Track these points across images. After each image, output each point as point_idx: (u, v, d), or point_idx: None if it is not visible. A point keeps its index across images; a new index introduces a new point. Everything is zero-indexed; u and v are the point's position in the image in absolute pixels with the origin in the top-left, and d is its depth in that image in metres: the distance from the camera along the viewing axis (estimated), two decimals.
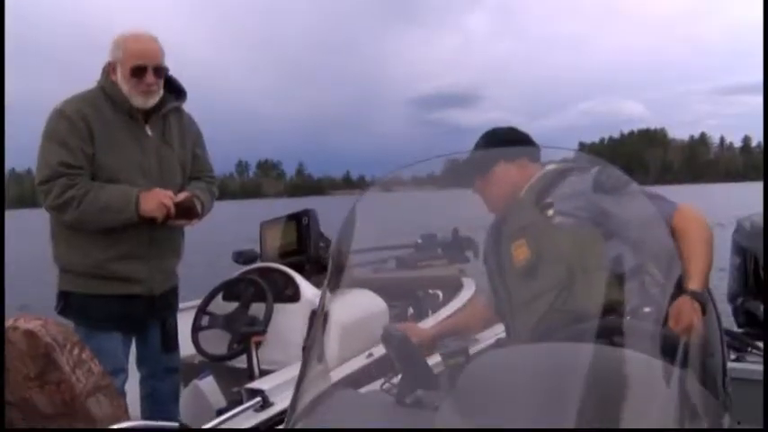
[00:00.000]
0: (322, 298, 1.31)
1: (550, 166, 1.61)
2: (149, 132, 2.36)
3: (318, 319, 1.29)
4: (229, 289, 3.02)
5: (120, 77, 2.29)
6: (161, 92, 2.35)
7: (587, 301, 1.26)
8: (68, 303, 2.31)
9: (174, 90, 2.47)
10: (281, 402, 2.15)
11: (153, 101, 2.32)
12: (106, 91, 2.32)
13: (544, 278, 1.39)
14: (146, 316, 2.39)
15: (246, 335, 2.63)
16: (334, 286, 1.34)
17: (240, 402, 2.11)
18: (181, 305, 2.90)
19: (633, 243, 1.40)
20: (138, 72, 2.26)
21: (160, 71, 2.32)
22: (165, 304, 2.47)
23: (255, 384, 2.20)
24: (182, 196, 2.33)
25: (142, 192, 2.25)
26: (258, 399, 2.10)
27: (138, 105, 2.30)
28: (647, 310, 1.28)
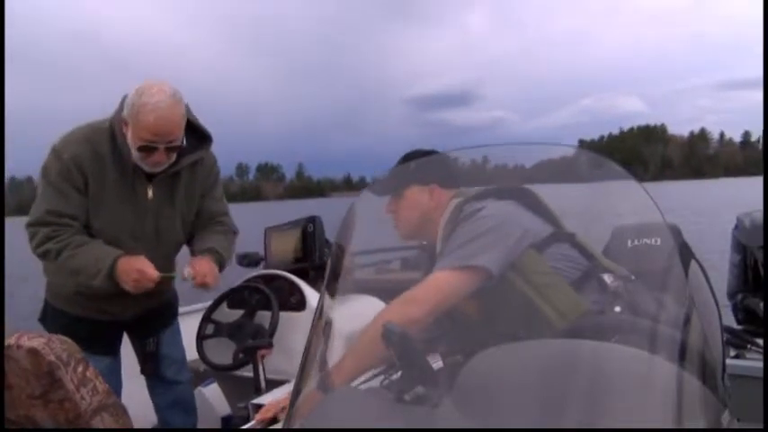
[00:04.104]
0: (320, 300, 1.27)
1: (457, 200, 1.55)
2: (150, 194, 2.11)
3: (317, 319, 1.25)
4: (234, 296, 2.99)
5: (129, 140, 2.00)
6: (174, 157, 2.07)
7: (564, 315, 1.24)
8: (46, 313, 2.25)
9: (196, 134, 2.16)
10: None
11: (162, 168, 2.07)
12: (115, 133, 2.04)
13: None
14: (114, 337, 2.30)
15: (252, 348, 2.59)
16: (334, 289, 1.30)
17: (248, 418, 2.08)
18: (184, 309, 2.88)
19: (561, 254, 1.36)
20: (146, 149, 1.98)
21: (175, 148, 2.03)
22: (140, 326, 2.36)
23: (263, 399, 2.17)
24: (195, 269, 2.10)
25: (121, 261, 2.01)
26: None
27: (145, 170, 2.07)
28: (618, 308, 1.25)
